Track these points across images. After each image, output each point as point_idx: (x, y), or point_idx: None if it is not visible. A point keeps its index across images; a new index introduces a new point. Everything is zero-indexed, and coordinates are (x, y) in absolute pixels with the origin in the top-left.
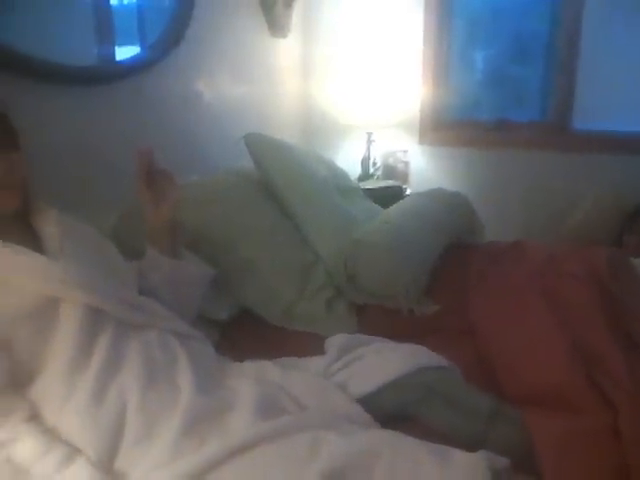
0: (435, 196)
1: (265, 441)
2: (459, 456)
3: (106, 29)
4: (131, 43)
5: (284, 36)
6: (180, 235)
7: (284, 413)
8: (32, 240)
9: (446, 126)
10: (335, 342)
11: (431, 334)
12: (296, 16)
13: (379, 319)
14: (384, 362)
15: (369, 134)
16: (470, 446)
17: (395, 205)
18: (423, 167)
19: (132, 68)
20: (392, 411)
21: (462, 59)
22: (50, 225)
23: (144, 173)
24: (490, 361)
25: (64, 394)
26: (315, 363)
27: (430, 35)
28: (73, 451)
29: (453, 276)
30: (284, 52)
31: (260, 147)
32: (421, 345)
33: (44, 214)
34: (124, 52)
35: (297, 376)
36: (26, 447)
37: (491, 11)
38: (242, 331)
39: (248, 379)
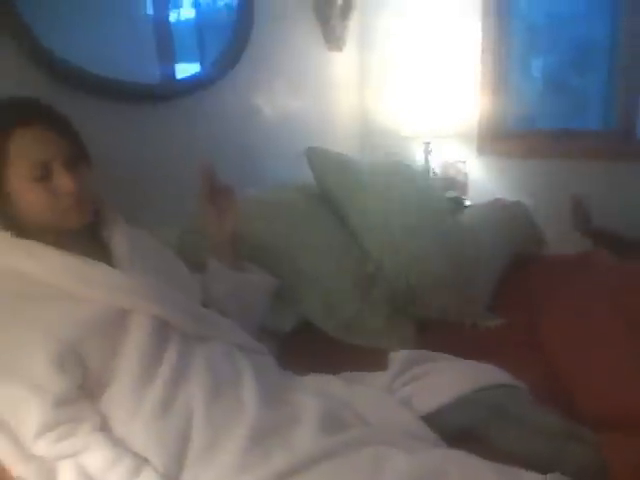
0: (496, 207)
1: (330, 456)
2: (529, 478)
3: (167, 46)
4: (191, 60)
5: (340, 49)
6: (241, 248)
7: (348, 428)
8: (101, 252)
9: (505, 136)
10: (400, 357)
11: (496, 350)
12: (352, 28)
13: (441, 334)
14: (451, 379)
15: (427, 144)
16: (540, 468)
17: (456, 217)
18: (482, 178)
19: (193, 86)
20: (458, 430)
21: (521, 67)
22: (119, 237)
23: (207, 188)
24: (562, 380)
25: (132, 406)
26: (379, 378)
27: (488, 43)
28: (141, 462)
29: (517, 290)
30: (341, 64)
31: (321, 161)
32: (485, 361)
33: (113, 226)
34: (184, 68)
35: (361, 391)
36: (97, 457)
37: (551, 18)
38: (301, 344)
39: (311, 394)
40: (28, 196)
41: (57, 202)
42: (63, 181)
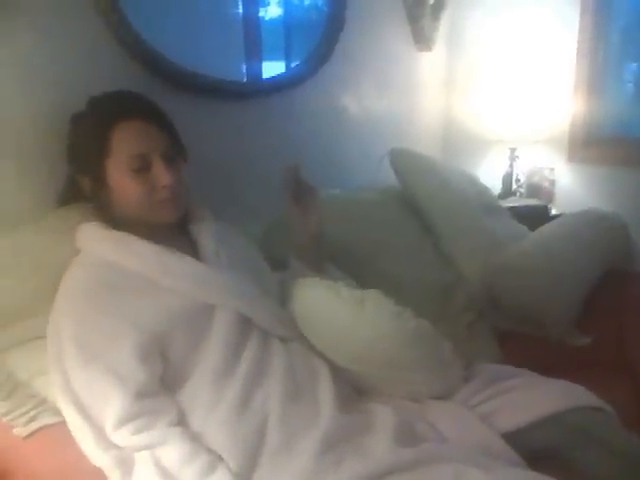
0: (589, 218)
1: (404, 469)
2: None
3: (255, 44)
4: (279, 58)
5: (429, 49)
6: (325, 249)
7: (422, 441)
8: (189, 247)
9: (598, 143)
10: (481, 371)
11: (581, 369)
12: (442, 28)
13: (523, 348)
14: (534, 398)
15: (512, 150)
16: None
17: (545, 226)
18: (571, 186)
19: (282, 84)
20: (539, 450)
21: (618, 70)
22: (207, 233)
23: (292, 188)
24: None
25: (210, 402)
26: (458, 391)
27: (585, 45)
28: (216, 459)
29: (607, 307)
30: (428, 65)
31: (404, 162)
32: (570, 381)
33: (201, 222)
34: (272, 67)
35: (438, 404)
36: (173, 451)
37: None
38: None
39: (386, 403)
40: (126, 187)
41: (153, 194)
42: (161, 174)
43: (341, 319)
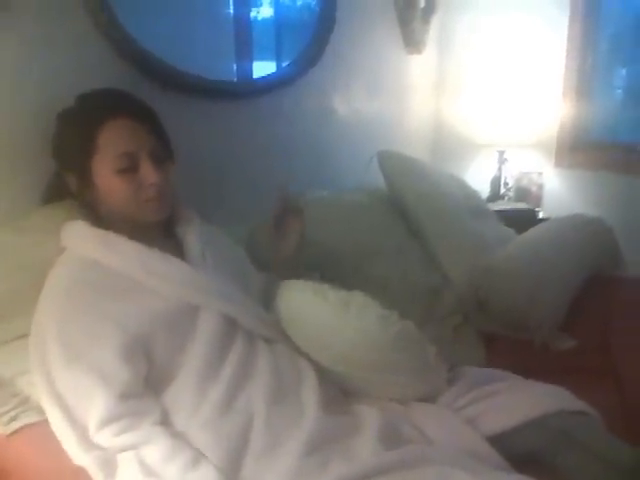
0: (575, 222)
1: (390, 471)
2: None
3: (246, 44)
4: (269, 58)
5: (419, 52)
6: (302, 263)
7: (408, 444)
8: (175, 248)
9: (586, 148)
10: (466, 374)
11: (566, 373)
12: (432, 31)
13: (509, 351)
14: (520, 401)
15: (501, 153)
16: None
17: (532, 230)
18: (558, 191)
19: (272, 84)
20: (522, 454)
21: (607, 76)
22: (193, 234)
23: (280, 208)
24: (636, 409)
25: (194, 402)
26: (443, 393)
27: (574, 50)
28: (200, 454)
29: (593, 311)
30: (418, 68)
31: (392, 164)
32: (555, 384)
33: (187, 222)
34: (262, 67)
35: (424, 407)
36: (157, 449)
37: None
38: None
39: (372, 405)
40: (112, 186)
41: (140, 193)
42: (148, 172)
43: (326, 321)
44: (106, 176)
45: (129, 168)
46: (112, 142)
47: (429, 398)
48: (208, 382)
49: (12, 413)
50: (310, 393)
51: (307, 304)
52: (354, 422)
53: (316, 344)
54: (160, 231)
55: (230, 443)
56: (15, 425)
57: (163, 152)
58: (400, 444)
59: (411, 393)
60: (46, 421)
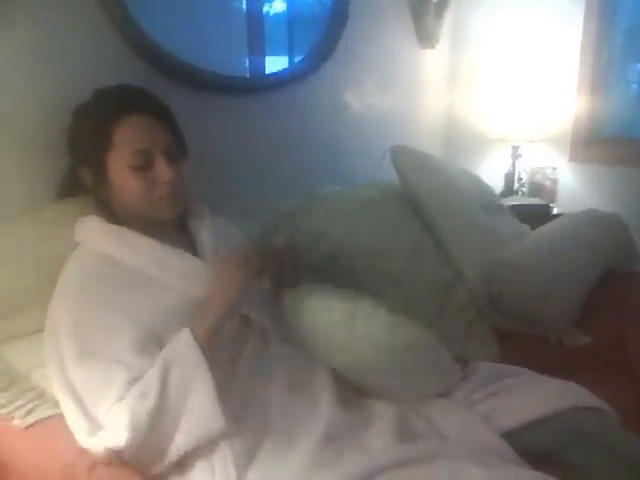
0: (590, 218)
1: (404, 465)
2: None
3: (258, 40)
4: (282, 53)
5: (432, 47)
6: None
7: (421, 438)
8: (187, 244)
9: (600, 143)
10: (480, 369)
11: (580, 369)
12: (446, 26)
13: (522, 347)
14: (535, 397)
15: (515, 148)
16: None
17: (546, 225)
18: (572, 186)
19: (284, 79)
20: (537, 450)
21: (622, 70)
22: (205, 230)
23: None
24: None
25: None
26: (457, 388)
27: (588, 45)
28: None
29: (607, 307)
30: (431, 63)
31: (405, 160)
32: (569, 380)
33: (200, 218)
34: (275, 62)
35: (438, 402)
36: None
37: None
38: None
39: (386, 400)
40: (127, 182)
41: (153, 190)
42: (162, 170)
43: (334, 337)
44: (120, 172)
45: (144, 165)
46: (127, 138)
47: (443, 393)
48: (225, 380)
49: (29, 406)
50: (324, 388)
51: (313, 315)
52: (368, 416)
53: (326, 355)
54: (173, 227)
55: (247, 437)
56: (31, 419)
57: (177, 149)
58: (414, 438)
59: (426, 393)
60: (61, 415)
